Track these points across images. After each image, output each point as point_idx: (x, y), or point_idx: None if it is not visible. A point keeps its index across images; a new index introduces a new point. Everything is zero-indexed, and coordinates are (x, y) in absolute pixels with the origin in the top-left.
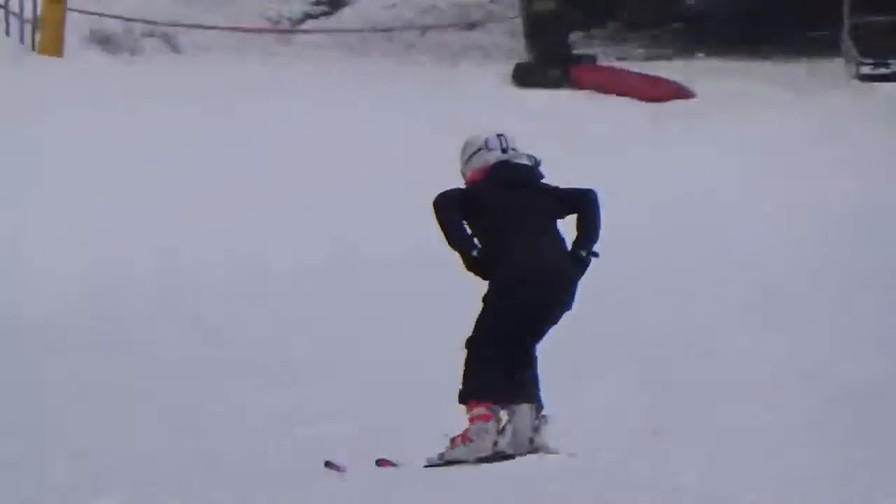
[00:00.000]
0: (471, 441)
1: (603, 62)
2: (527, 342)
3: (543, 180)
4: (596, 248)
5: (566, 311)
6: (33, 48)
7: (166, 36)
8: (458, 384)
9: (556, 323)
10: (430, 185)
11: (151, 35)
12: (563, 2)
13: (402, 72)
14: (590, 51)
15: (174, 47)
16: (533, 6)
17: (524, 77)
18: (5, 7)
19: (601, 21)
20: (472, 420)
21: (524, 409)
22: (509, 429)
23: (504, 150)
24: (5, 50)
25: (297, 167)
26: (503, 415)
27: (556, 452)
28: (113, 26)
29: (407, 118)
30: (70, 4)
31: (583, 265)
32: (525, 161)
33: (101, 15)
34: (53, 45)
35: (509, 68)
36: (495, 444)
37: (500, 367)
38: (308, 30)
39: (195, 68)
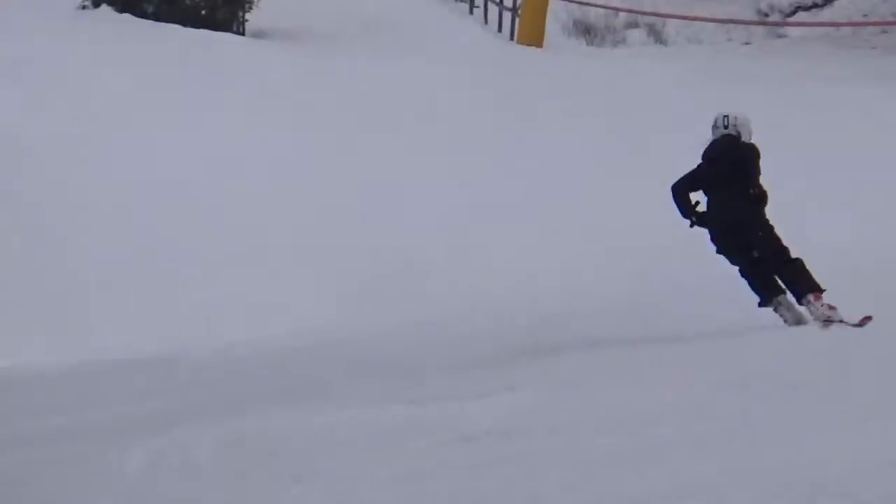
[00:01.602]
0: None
1: None
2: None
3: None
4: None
5: (759, 229)
6: (513, 37)
7: (652, 27)
8: None
9: (756, 236)
10: None
11: (636, 26)
12: None
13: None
14: None
15: (660, 39)
16: None
17: None
18: None
19: None
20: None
21: (808, 302)
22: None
23: (726, 127)
24: (486, 39)
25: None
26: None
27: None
28: (596, 16)
29: None
30: None
31: (756, 201)
32: (734, 135)
33: (583, 3)
34: (534, 35)
35: None
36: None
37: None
38: (798, 22)
39: (680, 60)
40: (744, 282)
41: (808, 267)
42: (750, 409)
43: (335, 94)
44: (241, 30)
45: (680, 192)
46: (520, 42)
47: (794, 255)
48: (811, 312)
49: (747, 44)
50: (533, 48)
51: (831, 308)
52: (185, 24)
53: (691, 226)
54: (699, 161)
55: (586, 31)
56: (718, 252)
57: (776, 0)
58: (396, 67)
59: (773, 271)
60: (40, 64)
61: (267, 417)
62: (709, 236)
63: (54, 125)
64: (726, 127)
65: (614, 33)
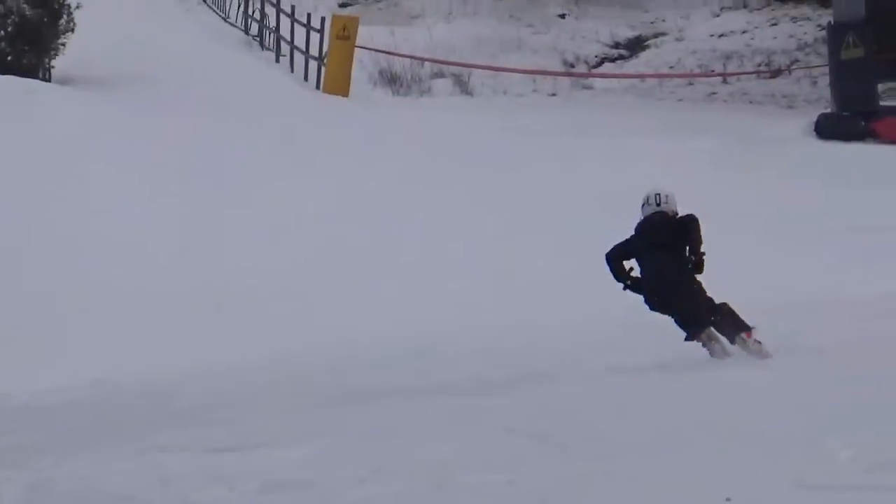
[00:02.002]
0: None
1: None
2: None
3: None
4: (703, 248)
5: (688, 288)
6: (318, 86)
7: (458, 77)
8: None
9: (684, 293)
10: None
11: (442, 76)
12: (873, 51)
13: (700, 120)
14: None
15: (465, 89)
16: (840, 53)
17: (827, 129)
18: (291, 43)
19: None
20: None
21: (741, 339)
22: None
23: (658, 205)
24: (289, 87)
25: (575, 217)
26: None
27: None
28: (402, 66)
29: (707, 170)
30: (359, 42)
31: (692, 265)
32: (666, 211)
33: (389, 53)
34: (340, 84)
35: (812, 119)
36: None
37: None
38: (603, 74)
39: (485, 112)
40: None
41: (734, 308)
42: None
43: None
44: (47, 76)
45: (614, 261)
46: (326, 91)
47: (718, 301)
48: (746, 350)
49: (553, 95)
50: (338, 97)
51: (758, 342)
52: None
53: (624, 289)
54: (638, 235)
55: (392, 81)
56: (652, 309)
57: (582, 51)
58: (192, 119)
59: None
60: None
61: (62, 465)
62: (643, 298)
63: None
64: (658, 204)
65: (420, 83)
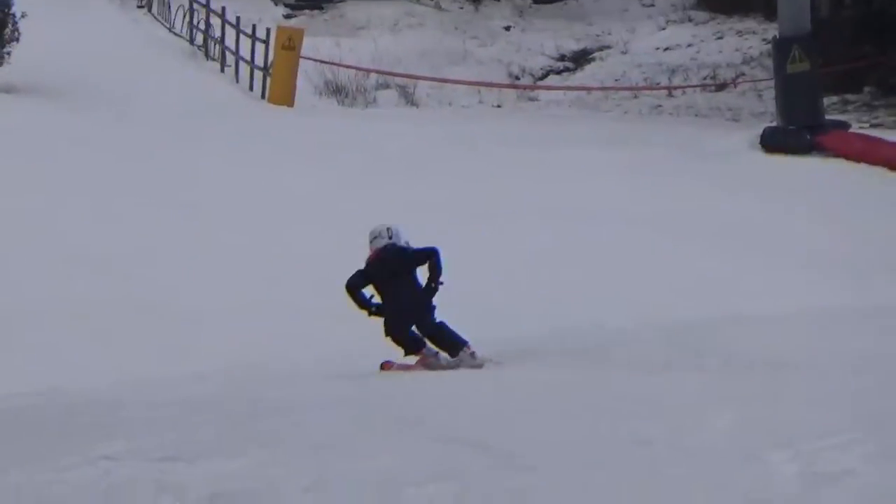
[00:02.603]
0: (428, 366)
1: (856, 130)
2: (423, 326)
3: (409, 250)
4: (443, 278)
5: (430, 311)
6: (263, 96)
7: (403, 88)
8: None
9: (428, 315)
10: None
11: (387, 87)
12: (818, 65)
13: (645, 132)
14: (843, 117)
15: (410, 100)
16: (786, 67)
17: (772, 142)
18: (236, 54)
19: (857, 86)
20: (419, 363)
21: (462, 355)
22: (442, 357)
23: (390, 237)
24: (234, 97)
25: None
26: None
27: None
28: (347, 77)
29: (651, 182)
30: (304, 53)
31: (432, 292)
32: (401, 244)
33: (334, 65)
34: (284, 94)
35: (757, 132)
36: (440, 363)
37: (412, 335)
38: (548, 86)
39: (428, 123)
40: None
41: (451, 327)
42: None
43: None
44: None
45: (355, 289)
46: (271, 101)
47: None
48: (467, 362)
49: (498, 106)
50: (283, 107)
51: (473, 354)
52: None
53: (369, 315)
54: (372, 265)
55: (337, 92)
56: (394, 332)
57: (527, 63)
58: (137, 128)
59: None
60: None
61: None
62: (386, 324)
63: None
64: (390, 237)
65: (365, 94)
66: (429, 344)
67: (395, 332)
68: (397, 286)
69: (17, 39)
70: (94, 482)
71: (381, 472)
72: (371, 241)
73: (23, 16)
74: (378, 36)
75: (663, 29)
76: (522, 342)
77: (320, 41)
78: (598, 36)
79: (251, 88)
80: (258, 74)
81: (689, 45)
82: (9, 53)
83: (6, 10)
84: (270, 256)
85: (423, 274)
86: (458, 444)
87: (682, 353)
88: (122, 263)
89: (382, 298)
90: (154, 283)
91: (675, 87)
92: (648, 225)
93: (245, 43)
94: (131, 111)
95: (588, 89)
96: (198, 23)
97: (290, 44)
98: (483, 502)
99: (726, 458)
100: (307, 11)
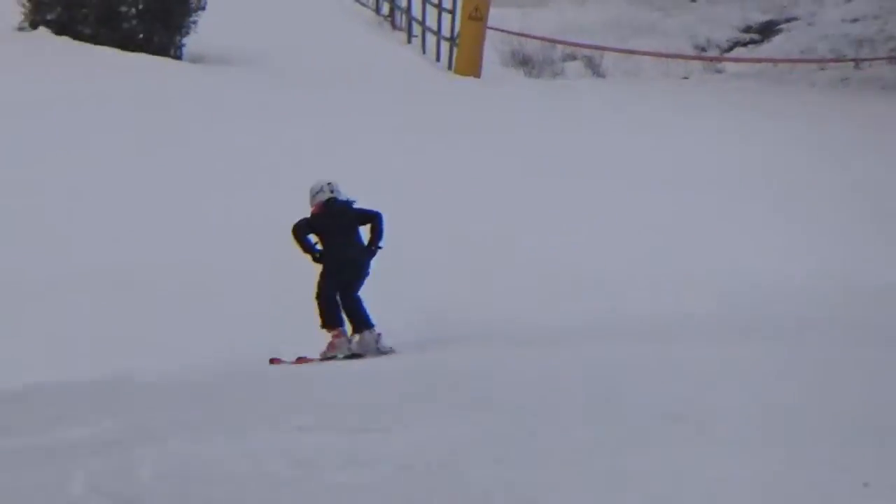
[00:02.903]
0: (336, 348)
1: None
2: (348, 292)
3: (354, 206)
4: (382, 243)
5: (365, 275)
6: (450, 67)
7: (589, 60)
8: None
9: (361, 280)
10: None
11: (574, 58)
12: None
13: (831, 104)
14: None
15: (597, 71)
16: None
17: None
18: (422, 24)
19: None
20: (333, 338)
21: (367, 334)
22: (356, 339)
23: (332, 192)
24: (421, 68)
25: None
26: (350, 335)
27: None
28: (534, 48)
29: (828, 153)
30: (490, 23)
31: (372, 253)
32: (343, 198)
33: (521, 35)
34: (471, 65)
35: None
36: (349, 348)
37: (337, 308)
38: (735, 58)
39: (616, 92)
40: (314, 304)
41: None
42: None
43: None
44: (178, 54)
45: (301, 232)
46: (457, 72)
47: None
48: (364, 341)
49: (685, 78)
50: (470, 78)
51: (380, 336)
52: (123, 48)
53: (313, 260)
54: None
55: (524, 63)
56: (328, 290)
57: (714, 35)
58: (324, 97)
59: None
60: None
61: (203, 444)
62: (323, 273)
63: None
64: (332, 192)
65: (552, 65)
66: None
67: (328, 289)
68: (340, 239)
69: (204, 8)
70: (283, 453)
71: (590, 441)
72: (313, 197)
73: None
74: (564, 7)
75: (850, 0)
76: None
77: (506, 12)
78: (784, 7)
79: (437, 59)
80: (444, 45)
81: (876, 17)
82: (195, 23)
83: None
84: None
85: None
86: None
87: None
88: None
89: (325, 249)
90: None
91: (862, 60)
92: (819, 196)
93: (431, 13)
94: (317, 80)
95: (774, 61)
96: None
97: (477, 14)
98: None
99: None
100: None
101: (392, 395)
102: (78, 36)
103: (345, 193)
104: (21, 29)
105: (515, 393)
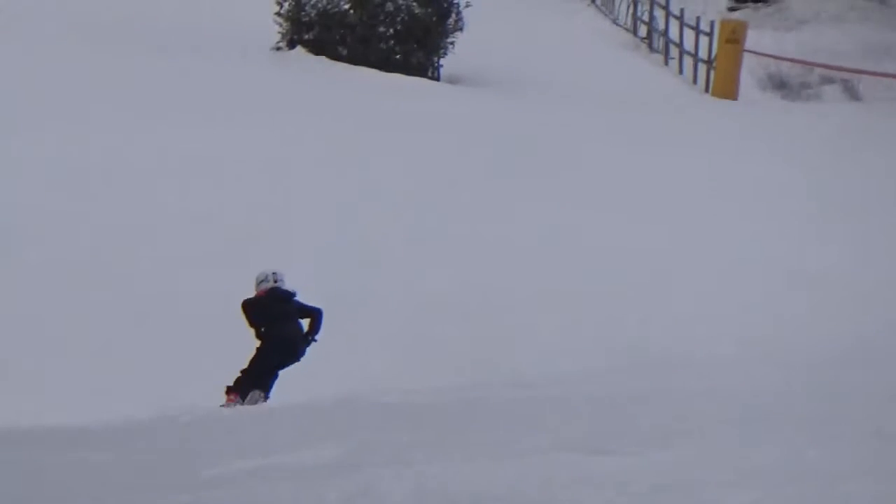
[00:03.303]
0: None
1: None
2: (275, 372)
3: (296, 298)
4: (318, 337)
5: (297, 361)
6: (707, 89)
7: (846, 83)
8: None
9: (295, 361)
10: None
11: (831, 81)
12: None
13: None
14: None
15: (854, 95)
16: None
17: None
18: (680, 46)
19: None
20: (227, 401)
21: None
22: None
23: (276, 282)
24: (678, 89)
25: None
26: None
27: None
28: (790, 71)
29: None
30: (746, 46)
31: (308, 343)
32: (286, 289)
33: (777, 58)
34: (728, 87)
35: None
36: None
37: (251, 383)
38: None
39: (872, 118)
40: (239, 376)
41: None
42: None
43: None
44: (435, 75)
45: (248, 309)
46: (714, 94)
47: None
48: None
49: None
50: (726, 100)
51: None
52: (379, 68)
53: (256, 335)
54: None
55: (781, 86)
56: (266, 367)
57: None
58: (581, 119)
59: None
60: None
61: (447, 464)
62: (263, 348)
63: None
64: (276, 281)
65: (809, 88)
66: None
67: (259, 367)
68: (283, 323)
69: (461, 29)
70: (532, 472)
71: (809, 464)
72: (258, 284)
73: (467, 5)
74: (821, 30)
75: None
76: None
77: (763, 34)
78: None
79: (694, 81)
80: (701, 67)
81: None
82: (452, 43)
83: (450, 0)
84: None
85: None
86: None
87: None
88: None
89: (266, 329)
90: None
91: None
92: None
93: (688, 36)
94: (572, 101)
95: None
96: (641, 15)
97: (734, 37)
98: None
99: None
100: (751, 4)
101: (631, 419)
102: (334, 56)
103: (288, 284)
104: (278, 48)
105: None
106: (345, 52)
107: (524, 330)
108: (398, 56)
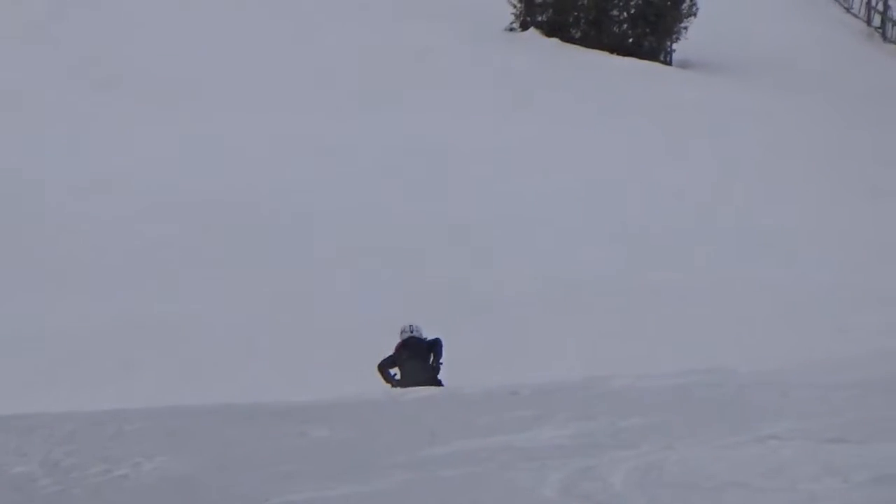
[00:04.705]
0: None
1: None
2: None
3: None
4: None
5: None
6: None
7: None
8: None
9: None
10: None
11: None
12: None
13: None
14: None
15: None
16: None
17: None
18: None
19: None
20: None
21: None
22: None
23: (412, 332)
24: None
25: None
26: None
27: None
28: None
29: None
30: None
31: (436, 370)
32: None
33: None
34: None
35: None
36: None
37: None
38: None
39: None
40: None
41: None
42: None
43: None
44: (668, 59)
45: (384, 368)
46: None
47: None
48: None
49: None
50: None
51: None
52: (610, 52)
53: (392, 386)
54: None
55: None
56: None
57: None
58: (813, 105)
59: None
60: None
61: (676, 450)
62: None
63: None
64: (412, 332)
65: None
66: None
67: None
68: (414, 365)
69: (695, 14)
70: (760, 460)
71: None
72: (400, 334)
73: None
74: None
75: None
76: None
77: None
78: None
79: None
80: None
81: None
82: (685, 28)
83: None
84: None
85: None
86: None
87: None
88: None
89: (402, 373)
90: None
91: None
92: None
93: None
94: (805, 88)
95: None
96: (876, 4)
97: None
98: None
99: None
100: None
101: (866, 407)
102: (567, 38)
103: (422, 331)
104: (511, 29)
105: None
106: (578, 34)
107: None
108: (630, 40)
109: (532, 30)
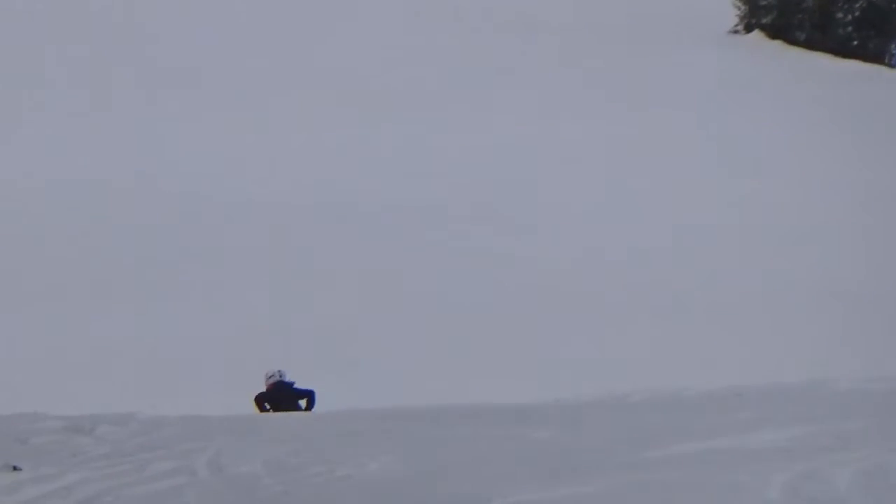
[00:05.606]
0: None
1: None
2: None
3: (295, 386)
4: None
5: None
6: None
7: None
8: None
9: None
10: None
11: None
12: None
13: None
14: None
15: None
16: None
17: None
18: None
19: None
20: None
21: None
22: None
23: (280, 377)
24: None
25: None
26: None
27: None
28: None
29: None
30: None
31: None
32: (288, 380)
33: None
34: None
35: None
36: None
37: None
38: None
39: None
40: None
41: None
42: None
43: None
44: (892, 62)
45: (260, 402)
46: None
47: None
48: None
49: None
50: None
51: None
52: (835, 54)
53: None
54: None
55: None
56: None
57: None
58: None
59: None
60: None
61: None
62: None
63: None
64: (281, 377)
65: None
66: None
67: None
68: (286, 407)
69: None
70: None
71: None
72: (267, 379)
73: None
74: None
75: None
76: None
77: None
78: None
79: None
80: None
81: None
82: None
83: None
84: None
85: None
86: None
87: None
88: None
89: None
90: None
91: None
92: None
93: None
94: None
95: None
96: None
97: None
98: None
99: None
100: None
101: None
102: (791, 41)
103: (289, 377)
104: (735, 31)
105: None
106: (802, 36)
107: None
108: (855, 42)
109: (756, 32)
